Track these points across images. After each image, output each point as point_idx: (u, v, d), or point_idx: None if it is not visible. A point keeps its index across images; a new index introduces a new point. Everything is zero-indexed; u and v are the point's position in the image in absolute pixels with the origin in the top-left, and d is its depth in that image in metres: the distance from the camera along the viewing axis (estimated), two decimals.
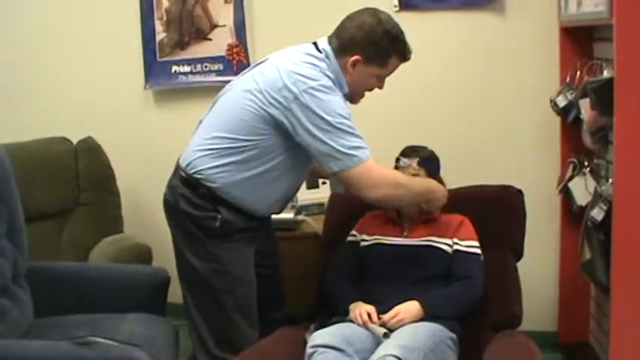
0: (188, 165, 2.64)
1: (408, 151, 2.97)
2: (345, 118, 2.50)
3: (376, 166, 2.55)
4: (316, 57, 2.59)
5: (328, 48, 2.63)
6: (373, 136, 3.70)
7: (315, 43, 2.66)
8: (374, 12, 2.63)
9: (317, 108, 2.47)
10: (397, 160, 3.00)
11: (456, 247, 2.83)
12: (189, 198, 2.62)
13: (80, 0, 4.17)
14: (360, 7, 2.71)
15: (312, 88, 2.48)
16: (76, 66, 4.23)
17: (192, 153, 2.65)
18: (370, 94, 3.70)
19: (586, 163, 3.27)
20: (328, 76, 2.55)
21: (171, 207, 2.71)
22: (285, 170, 2.62)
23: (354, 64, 2.60)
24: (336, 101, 2.51)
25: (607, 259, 2.72)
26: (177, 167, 2.71)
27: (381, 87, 2.73)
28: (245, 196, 2.62)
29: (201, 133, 2.66)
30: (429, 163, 2.96)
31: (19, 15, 4.26)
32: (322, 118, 2.46)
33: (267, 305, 2.83)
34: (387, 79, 3.67)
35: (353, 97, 2.71)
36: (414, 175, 2.87)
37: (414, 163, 2.92)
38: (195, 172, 2.61)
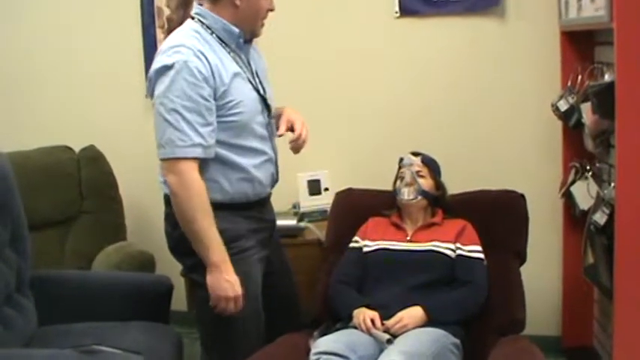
0: (165, 187, 2.53)
1: (411, 153, 3.03)
2: (178, 106, 2.36)
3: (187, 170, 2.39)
4: (183, 30, 2.52)
5: (199, 8, 2.55)
6: (376, 142, 3.75)
7: (191, 17, 2.58)
8: None
9: (155, 90, 2.42)
10: (401, 159, 3.02)
11: (458, 252, 2.83)
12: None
13: (82, 8, 4.17)
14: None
15: (156, 70, 2.42)
16: (78, 74, 4.23)
17: (161, 175, 2.55)
18: (374, 102, 3.74)
19: (588, 167, 3.27)
20: (197, 38, 2.45)
21: (173, 237, 2.59)
22: (230, 146, 2.50)
23: None
24: (175, 86, 2.37)
25: (610, 263, 2.72)
26: (164, 196, 2.60)
27: (273, 8, 2.57)
28: (222, 187, 2.50)
29: None
30: (432, 162, 3.01)
31: (21, 24, 4.27)
32: (157, 99, 2.41)
33: (286, 323, 2.76)
34: (391, 87, 3.71)
35: (253, 29, 2.57)
36: (418, 171, 2.90)
37: (418, 160, 2.95)
38: None
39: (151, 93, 2.47)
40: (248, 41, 2.60)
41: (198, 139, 2.38)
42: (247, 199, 2.58)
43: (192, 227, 2.42)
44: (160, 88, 2.39)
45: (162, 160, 2.42)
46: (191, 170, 2.39)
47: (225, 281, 2.43)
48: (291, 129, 2.64)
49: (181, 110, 2.36)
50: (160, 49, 2.49)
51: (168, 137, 2.37)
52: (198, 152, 2.39)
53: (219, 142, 2.46)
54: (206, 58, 2.41)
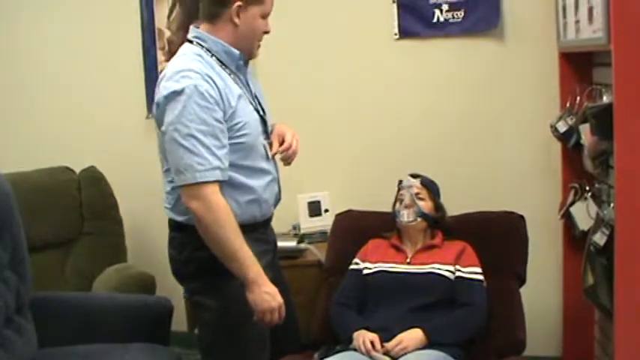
0: (171, 213, 2.56)
1: (410, 175, 3.04)
2: (194, 130, 2.34)
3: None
4: (185, 54, 2.50)
5: (197, 31, 2.53)
6: (376, 163, 3.76)
7: (188, 40, 2.57)
8: None
9: (166, 117, 2.38)
10: (400, 182, 3.03)
11: (458, 273, 2.83)
12: (192, 242, 2.49)
13: (83, 29, 4.20)
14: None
15: (165, 97, 2.38)
16: (79, 95, 4.25)
17: (166, 201, 2.58)
18: (373, 123, 3.74)
19: (587, 188, 3.27)
20: (201, 62, 2.44)
21: (178, 261, 2.58)
22: (239, 168, 2.49)
23: (238, 11, 2.46)
24: (188, 111, 2.34)
25: (610, 284, 2.72)
26: (169, 221, 2.61)
27: (268, 30, 2.55)
28: (232, 210, 2.45)
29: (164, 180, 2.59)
30: (431, 184, 3.02)
31: (20, 45, 4.29)
32: (170, 126, 2.37)
33: (286, 345, 2.74)
34: (390, 108, 3.72)
35: (251, 49, 2.56)
36: (417, 193, 2.91)
37: (417, 182, 2.96)
38: (181, 215, 2.52)
39: (159, 120, 2.43)
40: (246, 63, 2.61)
41: (216, 162, 2.37)
42: (254, 221, 2.57)
43: (225, 249, 2.39)
44: (172, 115, 2.36)
45: (184, 186, 2.38)
46: (214, 193, 2.37)
47: (266, 294, 2.42)
48: (282, 143, 2.64)
49: (197, 135, 2.34)
50: (164, 74, 2.46)
51: (186, 163, 2.35)
52: (217, 175, 2.37)
53: (229, 165, 2.46)
54: (214, 82, 2.41)
